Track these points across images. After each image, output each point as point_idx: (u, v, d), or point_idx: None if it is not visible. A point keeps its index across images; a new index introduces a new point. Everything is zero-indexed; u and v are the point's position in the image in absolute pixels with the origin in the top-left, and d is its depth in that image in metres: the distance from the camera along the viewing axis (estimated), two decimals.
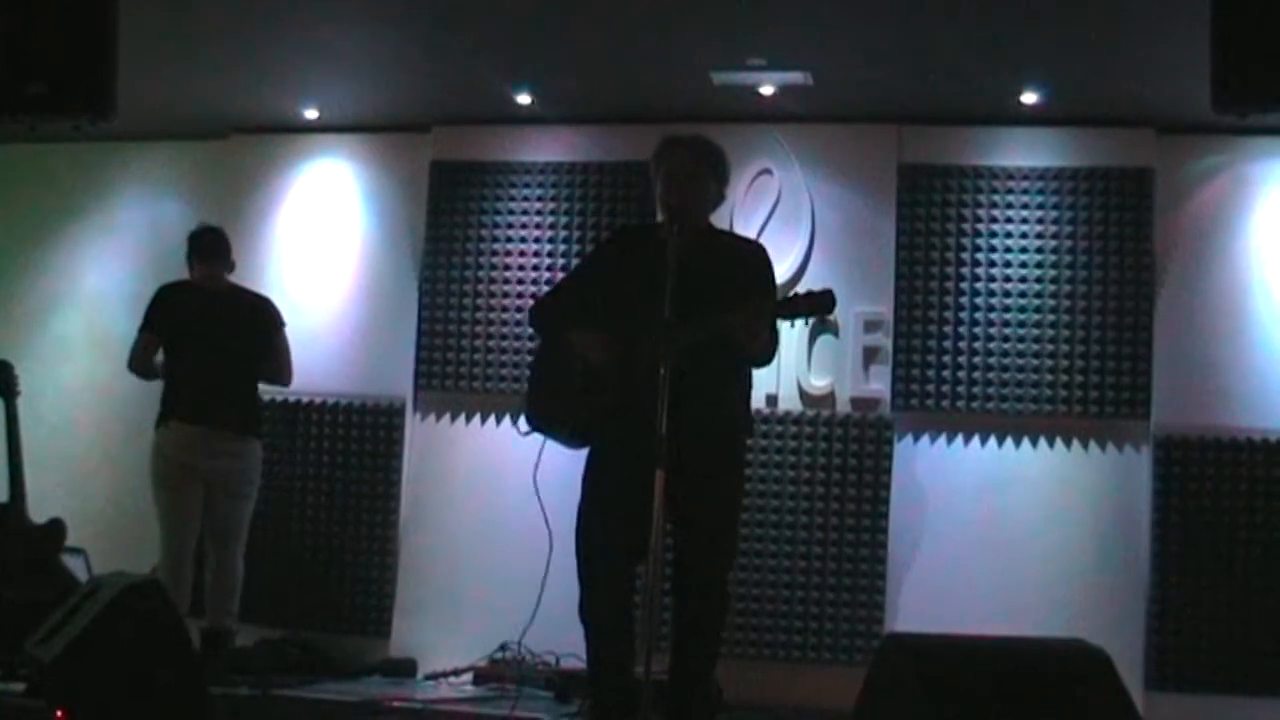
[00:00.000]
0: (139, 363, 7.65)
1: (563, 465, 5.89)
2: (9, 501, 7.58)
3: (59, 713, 4.95)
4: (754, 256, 5.95)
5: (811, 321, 7.93)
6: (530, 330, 8.19)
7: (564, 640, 7.12)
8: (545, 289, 8.35)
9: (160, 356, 7.65)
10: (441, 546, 8.50)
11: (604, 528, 5.61)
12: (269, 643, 8.22)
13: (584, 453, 5.82)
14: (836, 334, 8.10)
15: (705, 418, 5.51)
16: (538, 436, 5.88)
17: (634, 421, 5.31)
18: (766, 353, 5.72)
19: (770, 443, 8.08)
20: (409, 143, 8.87)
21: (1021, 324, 8.01)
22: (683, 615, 5.72)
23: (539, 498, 5.82)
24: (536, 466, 5.79)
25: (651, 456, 5.13)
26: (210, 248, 7.79)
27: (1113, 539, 7.86)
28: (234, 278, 7.89)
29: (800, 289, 7.82)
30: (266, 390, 8.14)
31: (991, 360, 8.01)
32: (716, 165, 5.84)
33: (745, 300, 5.49)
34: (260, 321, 7.79)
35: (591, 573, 5.65)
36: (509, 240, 8.65)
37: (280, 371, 7.84)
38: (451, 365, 8.64)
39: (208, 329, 7.61)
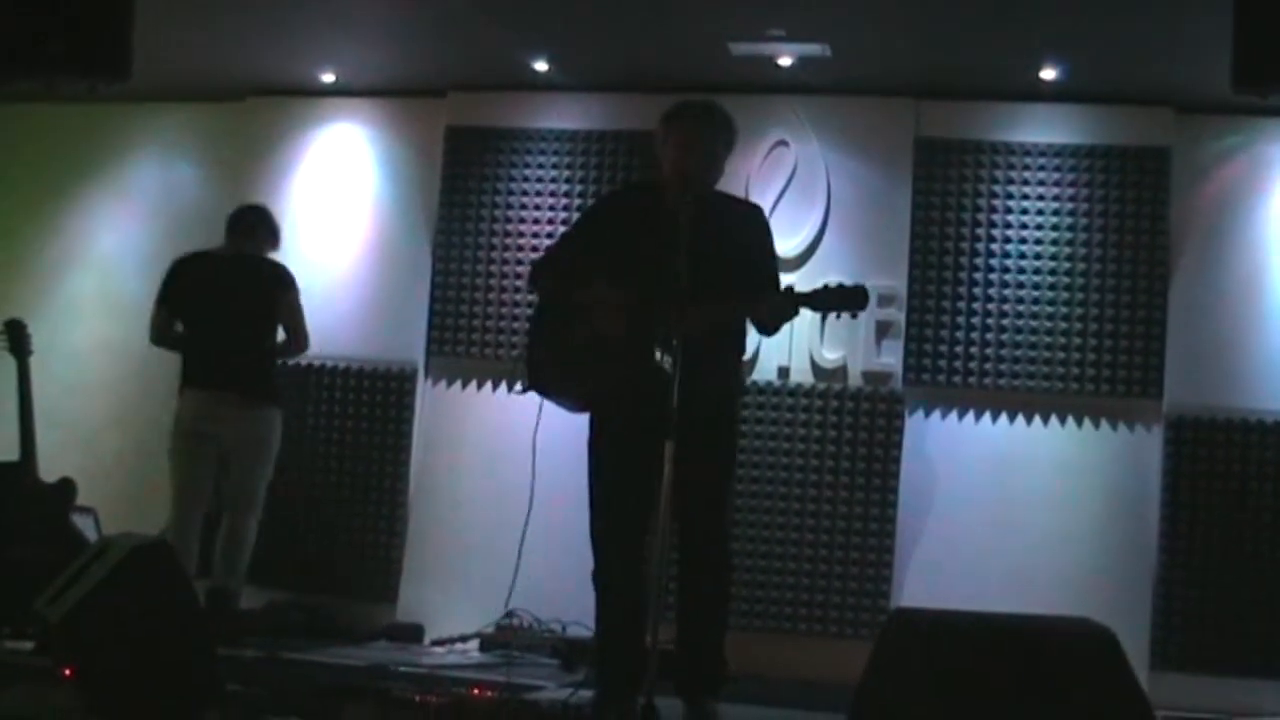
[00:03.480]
0: (156, 335, 7.75)
1: (566, 428, 5.89)
2: (20, 460, 7.59)
3: (66, 671, 4.96)
4: (753, 219, 5.97)
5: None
6: (530, 291, 8.23)
7: (570, 608, 7.16)
8: None
9: (180, 327, 7.68)
10: (450, 512, 8.51)
11: (614, 495, 5.62)
12: (276, 605, 8.24)
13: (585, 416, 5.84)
14: None
15: (705, 380, 5.50)
16: (535, 395, 5.90)
17: (642, 389, 5.31)
18: (778, 329, 5.78)
19: (781, 415, 8.08)
20: (424, 108, 8.86)
21: (1035, 301, 8.00)
22: (689, 581, 5.74)
23: (534, 458, 5.83)
24: (536, 427, 5.80)
25: (659, 425, 5.13)
26: (243, 223, 7.88)
27: (1122, 518, 7.86)
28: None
29: (813, 264, 7.91)
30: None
31: (1004, 337, 8.00)
32: (726, 133, 5.84)
33: (747, 266, 5.53)
34: (268, 285, 7.77)
35: (603, 539, 5.68)
36: (523, 207, 8.65)
37: (292, 335, 7.82)
38: (464, 331, 8.64)
39: (216, 296, 7.64)
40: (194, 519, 7.54)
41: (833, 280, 5.51)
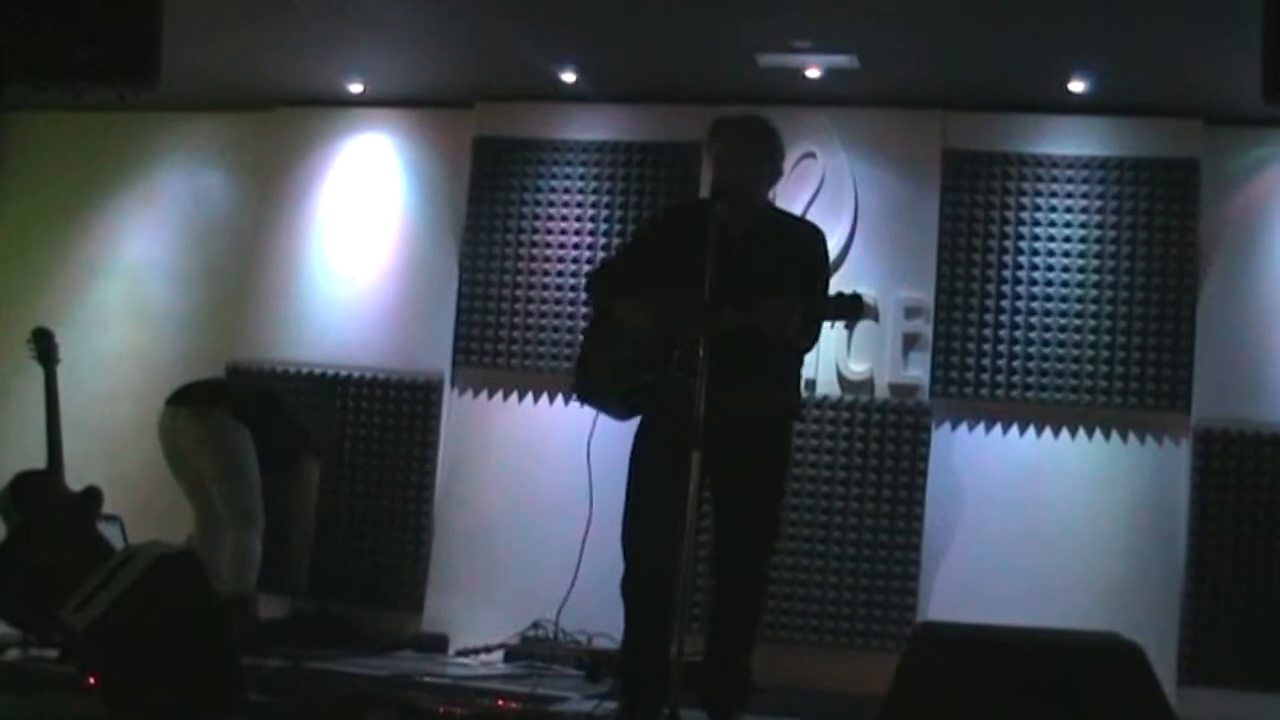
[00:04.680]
0: None
1: (600, 441, 5.88)
2: (46, 468, 7.61)
3: (91, 679, 4.97)
4: (809, 238, 5.92)
5: (845, 323, 7.92)
6: (573, 302, 8.38)
7: (596, 619, 7.15)
8: (585, 267, 8.34)
9: None
10: (476, 523, 8.51)
11: (646, 505, 5.61)
12: (301, 615, 8.24)
13: (633, 427, 5.84)
14: (877, 319, 8.07)
15: (752, 398, 5.52)
16: (584, 406, 5.93)
17: (677, 400, 5.31)
18: (805, 342, 5.71)
19: (807, 427, 8.05)
20: (452, 118, 8.86)
21: (1063, 314, 7.97)
22: (720, 597, 5.74)
23: (589, 468, 5.82)
24: (590, 436, 5.79)
25: (690, 436, 5.14)
26: None
27: (1149, 532, 7.82)
28: (275, 255, 8.04)
29: (840, 276, 7.86)
30: (302, 362, 8.25)
31: (1032, 349, 7.97)
32: (769, 144, 5.81)
33: (795, 284, 5.47)
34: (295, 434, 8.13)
35: (634, 550, 5.66)
36: (550, 218, 8.64)
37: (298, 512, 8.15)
38: (490, 342, 8.64)
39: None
40: (208, 534, 7.64)
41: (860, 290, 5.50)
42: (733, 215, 5.50)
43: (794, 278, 5.55)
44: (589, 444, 5.78)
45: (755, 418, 5.59)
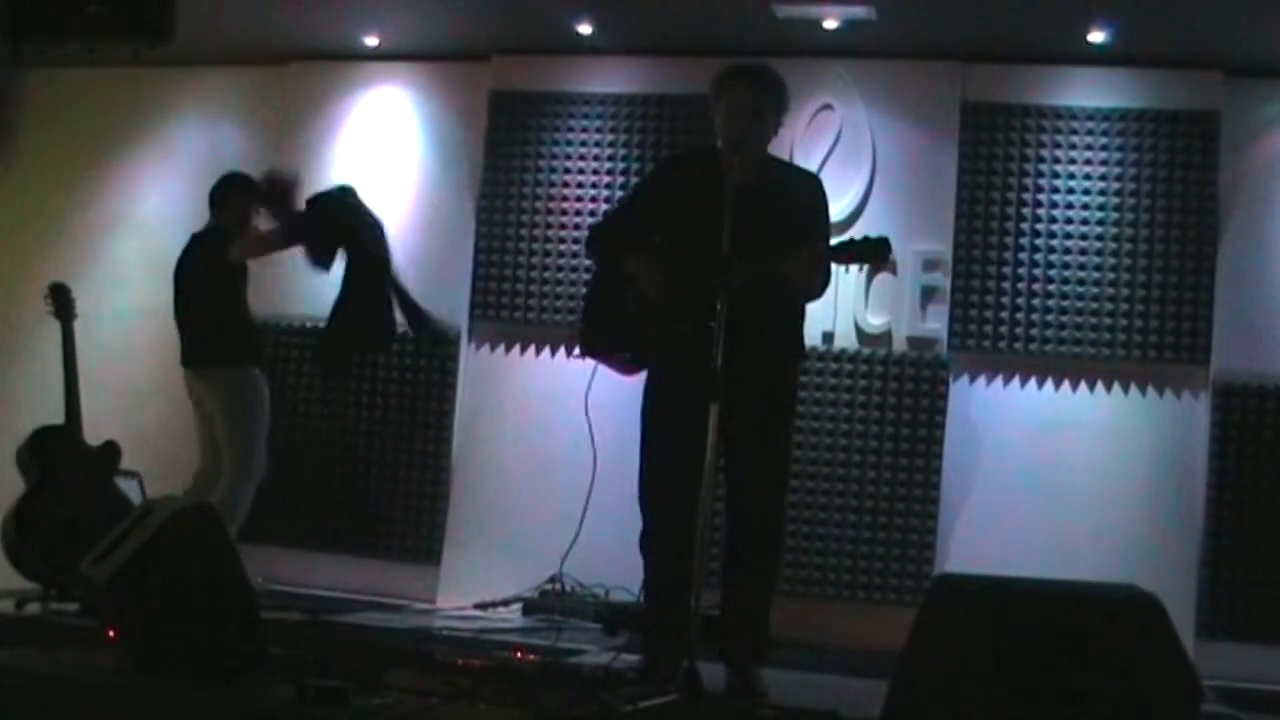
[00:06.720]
0: None
1: (618, 394, 5.88)
2: (64, 423, 7.62)
3: (111, 633, 4.98)
4: (810, 187, 5.92)
5: (866, 267, 7.91)
6: (587, 257, 8.23)
7: (613, 573, 7.16)
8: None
9: None
10: (494, 477, 8.52)
11: (663, 459, 5.61)
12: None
13: (639, 379, 5.82)
14: (895, 272, 8.05)
15: (761, 347, 5.51)
16: (588, 360, 5.91)
17: (691, 353, 5.30)
18: (818, 290, 5.71)
19: (825, 380, 8.05)
20: (468, 72, 8.85)
21: (1082, 266, 7.94)
22: (737, 550, 5.73)
23: (588, 421, 5.82)
24: (588, 390, 5.78)
25: (708, 389, 5.13)
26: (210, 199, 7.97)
27: (1168, 485, 7.81)
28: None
29: (859, 228, 7.83)
30: (319, 317, 8.23)
31: (1050, 302, 7.95)
32: (778, 97, 5.79)
33: (802, 233, 5.47)
34: (198, 255, 7.85)
35: (654, 505, 5.66)
36: (567, 171, 8.63)
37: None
38: (507, 296, 8.64)
39: (175, 278, 7.87)
40: (205, 480, 7.65)
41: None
42: (734, 165, 5.46)
43: (799, 227, 5.56)
44: (586, 398, 5.77)
45: (765, 367, 5.59)
